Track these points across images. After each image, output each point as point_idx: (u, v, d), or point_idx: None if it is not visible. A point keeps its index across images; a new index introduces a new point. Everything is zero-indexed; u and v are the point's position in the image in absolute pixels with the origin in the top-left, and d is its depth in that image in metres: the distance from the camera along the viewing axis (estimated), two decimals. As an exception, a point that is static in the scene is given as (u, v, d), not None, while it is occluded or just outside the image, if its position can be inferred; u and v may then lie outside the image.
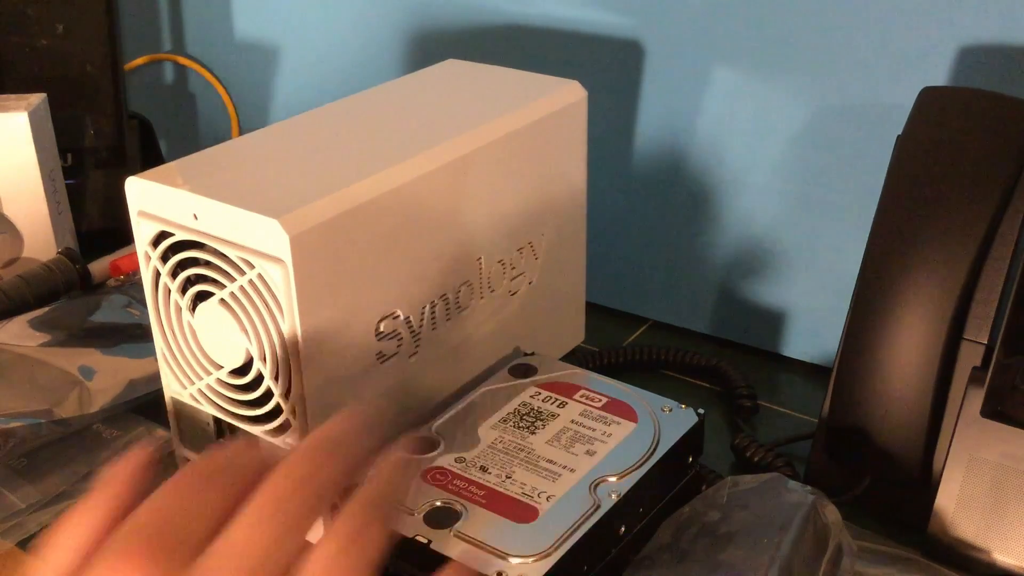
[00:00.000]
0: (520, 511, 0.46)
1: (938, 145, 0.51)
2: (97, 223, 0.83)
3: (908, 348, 0.49)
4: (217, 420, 0.52)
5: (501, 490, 0.47)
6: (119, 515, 0.30)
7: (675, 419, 0.52)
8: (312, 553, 0.30)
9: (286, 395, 0.48)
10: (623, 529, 0.48)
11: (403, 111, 0.58)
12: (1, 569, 0.52)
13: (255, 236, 0.45)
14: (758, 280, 0.67)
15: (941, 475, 0.49)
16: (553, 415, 0.52)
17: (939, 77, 0.57)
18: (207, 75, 0.95)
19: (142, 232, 0.50)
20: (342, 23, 0.83)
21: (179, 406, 0.54)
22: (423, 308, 0.53)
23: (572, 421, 0.52)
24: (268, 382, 0.48)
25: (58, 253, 0.75)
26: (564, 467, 0.48)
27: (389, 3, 0.79)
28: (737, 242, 0.67)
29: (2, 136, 0.73)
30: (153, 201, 0.49)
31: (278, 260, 0.45)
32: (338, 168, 0.50)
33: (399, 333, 0.52)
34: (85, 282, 0.73)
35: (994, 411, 0.48)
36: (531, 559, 0.43)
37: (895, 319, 0.50)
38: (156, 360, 0.53)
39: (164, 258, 0.49)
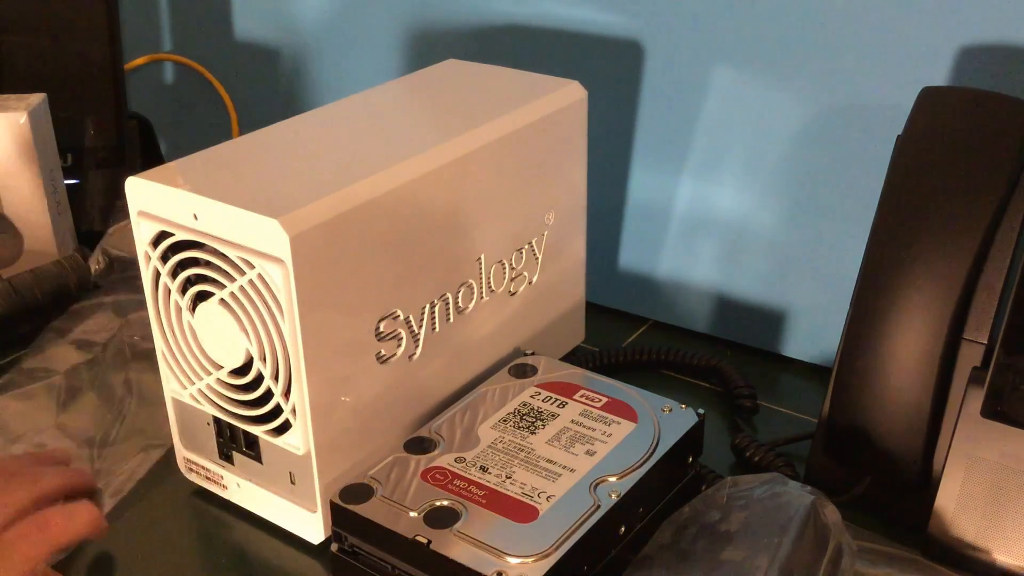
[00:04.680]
0: (520, 511, 0.46)
1: (938, 145, 0.51)
2: (97, 223, 0.83)
3: (908, 348, 0.49)
4: (217, 420, 0.53)
5: (501, 490, 0.47)
6: None
7: (675, 419, 0.52)
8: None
9: (286, 395, 0.48)
10: (623, 529, 0.48)
11: (403, 111, 0.58)
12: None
13: (255, 236, 0.45)
14: (758, 280, 0.67)
15: (941, 475, 0.49)
16: (553, 415, 0.52)
17: (939, 77, 0.57)
18: (207, 75, 0.95)
19: (142, 232, 0.50)
20: (342, 23, 0.83)
21: (179, 406, 0.54)
22: (423, 308, 0.53)
23: (572, 421, 0.52)
24: (268, 382, 0.48)
25: (73, 251, 0.75)
26: (564, 467, 0.48)
27: (389, 3, 0.79)
28: (737, 242, 0.67)
29: (2, 136, 0.73)
30: (153, 201, 0.49)
31: (278, 260, 0.45)
32: (338, 168, 0.50)
33: (399, 333, 0.52)
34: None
35: (994, 411, 0.48)
36: (531, 559, 0.43)
37: (895, 319, 0.50)
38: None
39: (164, 258, 0.49)
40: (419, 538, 0.44)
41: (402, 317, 0.52)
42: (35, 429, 0.61)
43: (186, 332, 0.51)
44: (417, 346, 0.53)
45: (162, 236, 0.49)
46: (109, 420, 0.61)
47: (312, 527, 0.51)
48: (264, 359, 0.48)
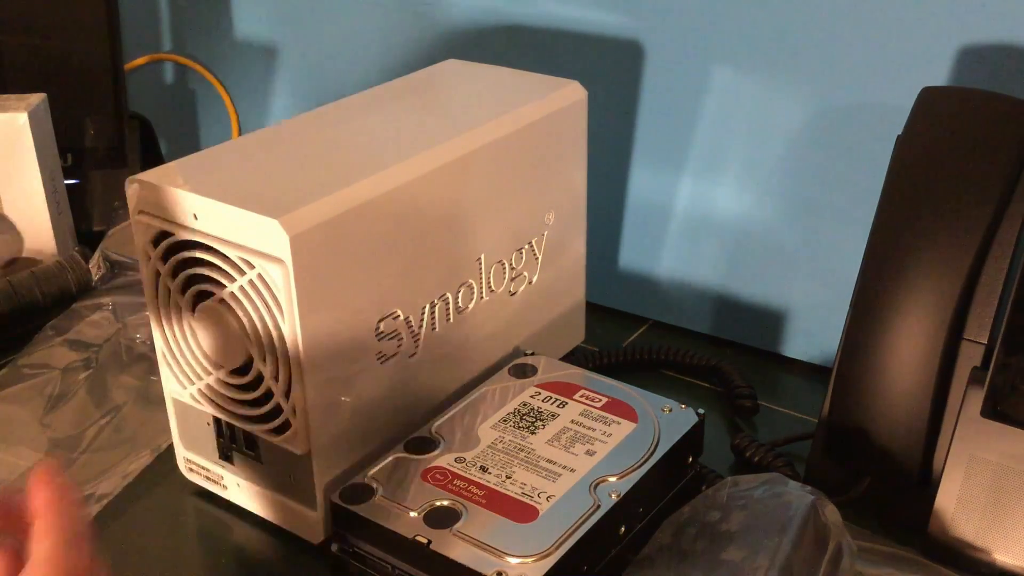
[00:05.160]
0: (520, 511, 0.46)
1: (938, 145, 0.51)
2: (97, 223, 0.83)
3: (908, 348, 0.49)
4: (217, 420, 0.53)
5: (501, 490, 0.47)
6: None
7: (675, 419, 0.52)
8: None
9: (286, 395, 0.48)
10: (623, 529, 0.48)
11: (403, 111, 0.58)
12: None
13: (255, 236, 0.45)
14: (758, 280, 0.67)
15: (941, 475, 0.49)
16: (553, 415, 0.52)
17: (939, 77, 0.57)
18: (207, 75, 0.95)
19: (142, 232, 0.50)
20: (342, 23, 0.83)
21: (179, 406, 0.54)
22: (423, 308, 0.53)
23: (572, 421, 0.52)
24: (268, 382, 0.48)
25: (73, 251, 0.75)
26: (564, 467, 0.48)
27: (389, 3, 0.79)
28: (737, 242, 0.67)
29: (2, 136, 0.73)
30: (153, 201, 0.49)
31: (278, 260, 0.45)
32: (338, 168, 0.50)
33: (399, 333, 0.52)
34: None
35: (994, 411, 0.48)
36: (531, 559, 0.43)
37: (895, 319, 0.50)
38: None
39: (164, 258, 0.49)
40: (419, 538, 0.44)
41: (402, 317, 0.52)
42: (19, 427, 0.61)
43: (186, 332, 0.51)
44: (417, 346, 0.53)
45: (162, 236, 0.49)
46: (101, 422, 0.61)
47: (312, 527, 0.51)
48: (264, 359, 0.48)
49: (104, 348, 0.68)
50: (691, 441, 0.52)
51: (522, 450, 0.50)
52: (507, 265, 0.59)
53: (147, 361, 0.67)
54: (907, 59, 0.58)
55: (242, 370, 0.49)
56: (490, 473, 0.48)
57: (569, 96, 0.61)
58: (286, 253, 0.44)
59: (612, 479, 0.48)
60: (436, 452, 0.50)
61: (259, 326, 0.47)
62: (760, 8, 0.62)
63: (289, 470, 0.51)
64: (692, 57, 0.65)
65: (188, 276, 0.49)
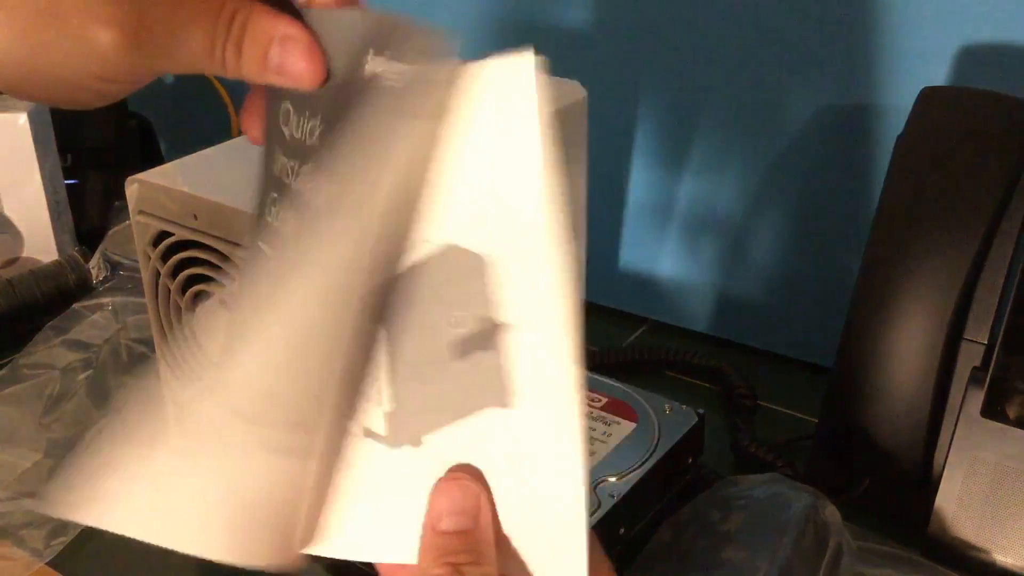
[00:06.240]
0: (520, 511, 0.46)
1: (938, 145, 0.51)
2: (97, 223, 0.83)
3: (908, 348, 0.49)
4: (217, 420, 0.52)
5: (501, 490, 0.47)
6: None
7: (675, 419, 0.52)
8: None
9: (286, 395, 0.48)
10: (623, 529, 0.48)
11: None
12: None
13: (255, 236, 0.45)
14: (758, 280, 0.67)
15: (941, 475, 0.49)
16: (553, 415, 0.52)
17: (939, 77, 0.57)
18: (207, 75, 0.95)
19: (142, 232, 0.50)
20: (342, 23, 0.83)
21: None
22: (423, 308, 0.53)
23: (572, 421, 0.52)
24: (268, 382, 0.48)
25: (73, 251, 0.75)
26: (564, 467, 0.48)
27: (388, 3, 0.79)
28: (737, 242, 0.67)
29: (2, 136, 0.73)
30: (153, 201, 0.49)
31: (278, 260, 0.45)
32: (338, 168, 0.50)
33: (399, 333, 0.52)
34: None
35: (994, 411, 0.48)
36: (531, 559, 0.43)
37: (895, 319, 0.50)
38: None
39: (164, 258, 0.49)
40: (419, 538, 0.44)
41: (402, 317, 0.51)
42: (19, 427, 0.61)
43: (186, 332, 0.50)
44: (417, 346, 0.53)
45: (162, 236, 0.49)
46: (100, 423, 0.61)
47: (312, 527, 0.51)
48: (264, 359, 0.48)
49: (104, 348, 0.68)
50: (691, 441, 0.52)
51: (522, 450, 0.50)
52: (507, 265, 0.58)
53: (147, 361, 0.67)
54: (907, 59, 0.58)
55: (242, 370, 0.49)
56: (490, 473, 0.48)
57: (569, 96, 0.60)
58: (286, 253, 0.44)
59: (612, 479, 0.48)
60: (436, 452, 0.50)
61: (259, 326, 0.47)
62: (761, 9, 0.61)
63: (289, 470, 0.50)
64: (693, 57, 0.65)
65: (188, 276, 0.49)
